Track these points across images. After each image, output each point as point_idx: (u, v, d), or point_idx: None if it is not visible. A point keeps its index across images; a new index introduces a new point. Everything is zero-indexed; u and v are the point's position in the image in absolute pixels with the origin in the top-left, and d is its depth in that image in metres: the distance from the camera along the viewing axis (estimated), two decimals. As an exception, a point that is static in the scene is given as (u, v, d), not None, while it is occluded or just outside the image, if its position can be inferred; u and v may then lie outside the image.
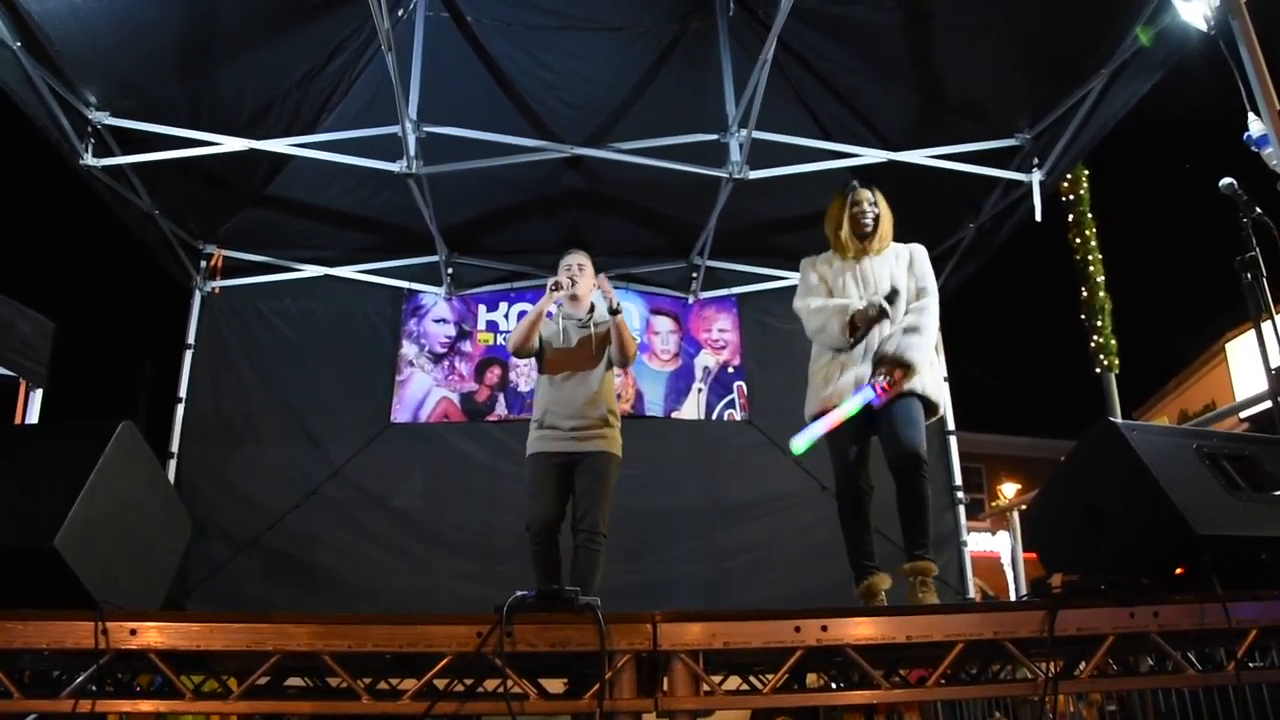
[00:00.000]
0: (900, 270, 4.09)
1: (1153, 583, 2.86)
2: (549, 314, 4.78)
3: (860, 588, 3.91)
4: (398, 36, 5.40)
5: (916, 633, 2.59)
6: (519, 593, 2.49)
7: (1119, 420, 3.06)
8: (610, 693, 2.44)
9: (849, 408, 3.82)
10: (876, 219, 4.15)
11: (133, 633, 2.45)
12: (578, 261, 4.84)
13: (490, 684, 2.79)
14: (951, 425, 7.07)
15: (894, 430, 3.83)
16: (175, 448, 6.75)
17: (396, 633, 2.43)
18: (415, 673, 2.53)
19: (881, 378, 3.82)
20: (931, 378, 3.99)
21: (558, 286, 4.65)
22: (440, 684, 2.62)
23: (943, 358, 3.95)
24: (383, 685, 3.20)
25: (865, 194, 4.18)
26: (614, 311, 4.57)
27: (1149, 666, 3.43)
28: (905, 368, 3.83)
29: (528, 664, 2.53)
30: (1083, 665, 2.78)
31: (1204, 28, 4.28)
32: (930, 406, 3.96)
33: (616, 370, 4.82)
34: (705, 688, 2.49)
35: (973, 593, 6.85)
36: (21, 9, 4.79)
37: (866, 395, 3.81)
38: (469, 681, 2.87)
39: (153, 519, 3.01)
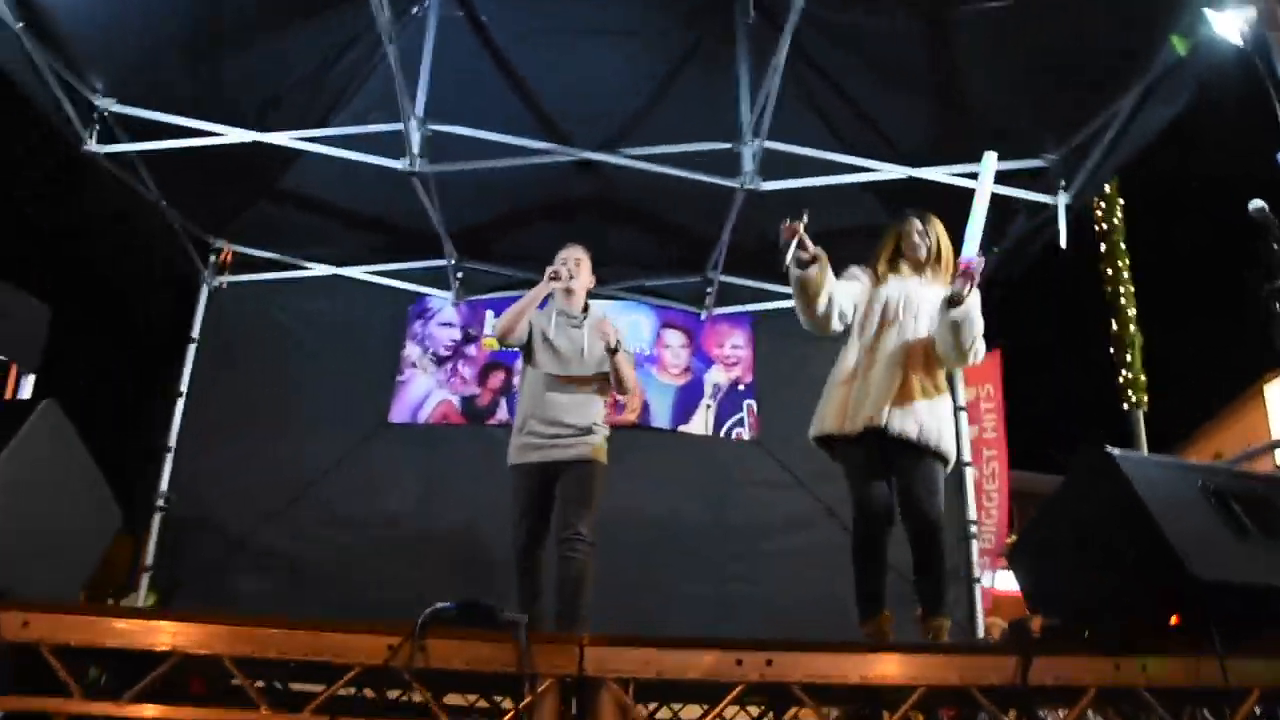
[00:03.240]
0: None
1: (1144, 631, 2.61)
2: (540, 307, 4.60)
3: (867, 628, 3.69)
4: (410, 34, 5.29)
5: (872, 673, 2.37)
6: (438, 604, 2.30)
7: (1114, 449, 2.79)
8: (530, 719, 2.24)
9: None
10: (930, 250, 3.96)
11: (25, 624, 2.29)
12: (575, 256, 4.68)
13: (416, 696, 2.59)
14: (968, 457, 6.82)
15: (911, 498, 3.66)
16: (173, 442, 6.66)
17: (299, 640, 2.25)
18: (328, 680, 2.34)
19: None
20: (949, 433, 3.79)
21: (556, 276, 4.50)
22: (368, 692, 2.44)
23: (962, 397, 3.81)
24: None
25: (915, 222, 4.01)
26: (612, 351, 4.35)
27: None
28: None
29: (446, 680, 2.34)
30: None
31: (1239, 43, 4.04)
32: (948, 463, 3.80)
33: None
34: (632, 718, 2.28)
35: (982, 632, 6.55)
36: (25, -10, 4.72)
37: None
38: (395, 693, 2.70)
39: (73, 506, 2.85)
